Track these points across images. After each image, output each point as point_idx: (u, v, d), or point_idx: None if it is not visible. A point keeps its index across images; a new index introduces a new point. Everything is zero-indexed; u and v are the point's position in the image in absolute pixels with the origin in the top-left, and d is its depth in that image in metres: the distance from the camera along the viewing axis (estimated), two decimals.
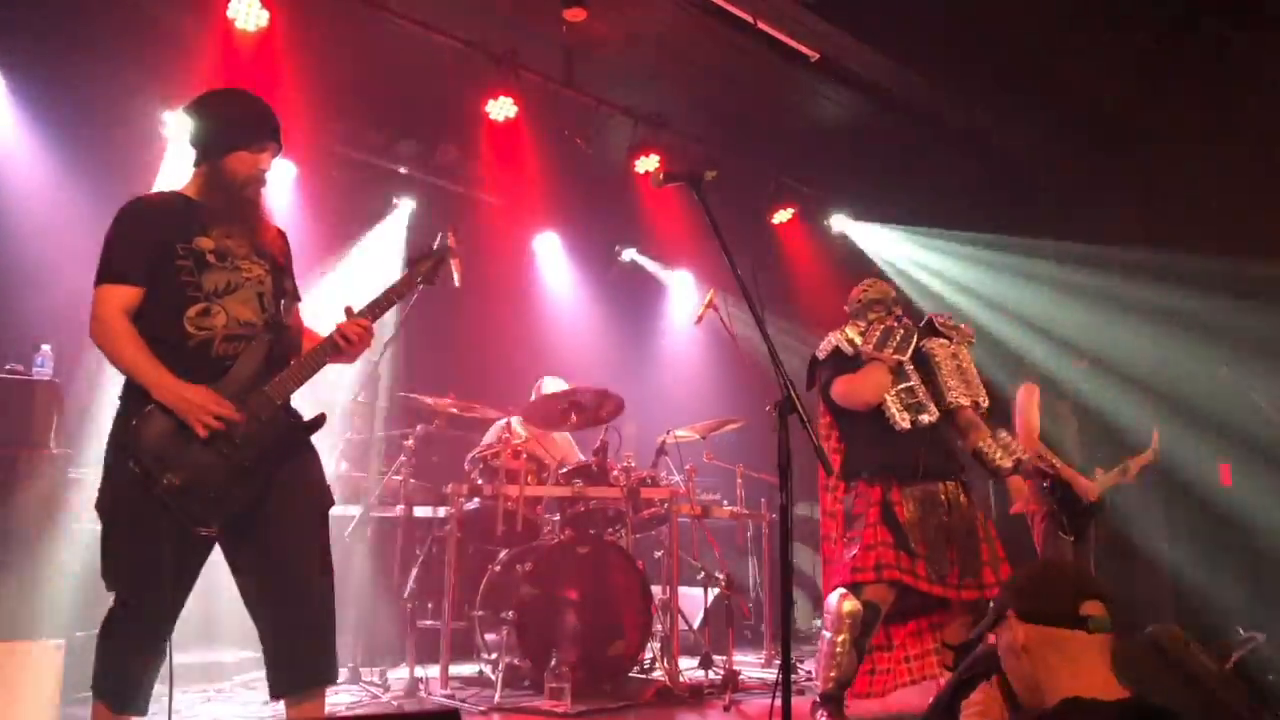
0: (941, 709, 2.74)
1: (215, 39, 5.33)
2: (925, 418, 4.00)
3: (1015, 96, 6.71)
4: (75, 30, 5.39)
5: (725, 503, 6.25)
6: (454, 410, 5.48)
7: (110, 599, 2.63)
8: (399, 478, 5.39)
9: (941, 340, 4.26)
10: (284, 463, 2.70)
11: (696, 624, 5.91)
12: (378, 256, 7.09)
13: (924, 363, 4.17)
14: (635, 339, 8.54)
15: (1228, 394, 5.43)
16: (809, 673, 5.25)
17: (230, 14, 5.19)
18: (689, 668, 5.42)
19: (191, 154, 2.87)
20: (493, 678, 4.78)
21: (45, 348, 4.58)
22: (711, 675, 5.30)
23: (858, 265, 8.16)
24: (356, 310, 2.87)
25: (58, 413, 4.40)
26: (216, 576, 2.81)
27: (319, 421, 2.80)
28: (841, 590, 3.90)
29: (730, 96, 7.02)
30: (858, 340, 4.11)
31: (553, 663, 4.52)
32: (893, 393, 4.02)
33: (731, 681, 4.98)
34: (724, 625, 5.60)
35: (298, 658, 2.64)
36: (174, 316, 2.64)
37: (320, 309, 3.48)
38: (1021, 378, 5.45)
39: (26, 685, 3.56)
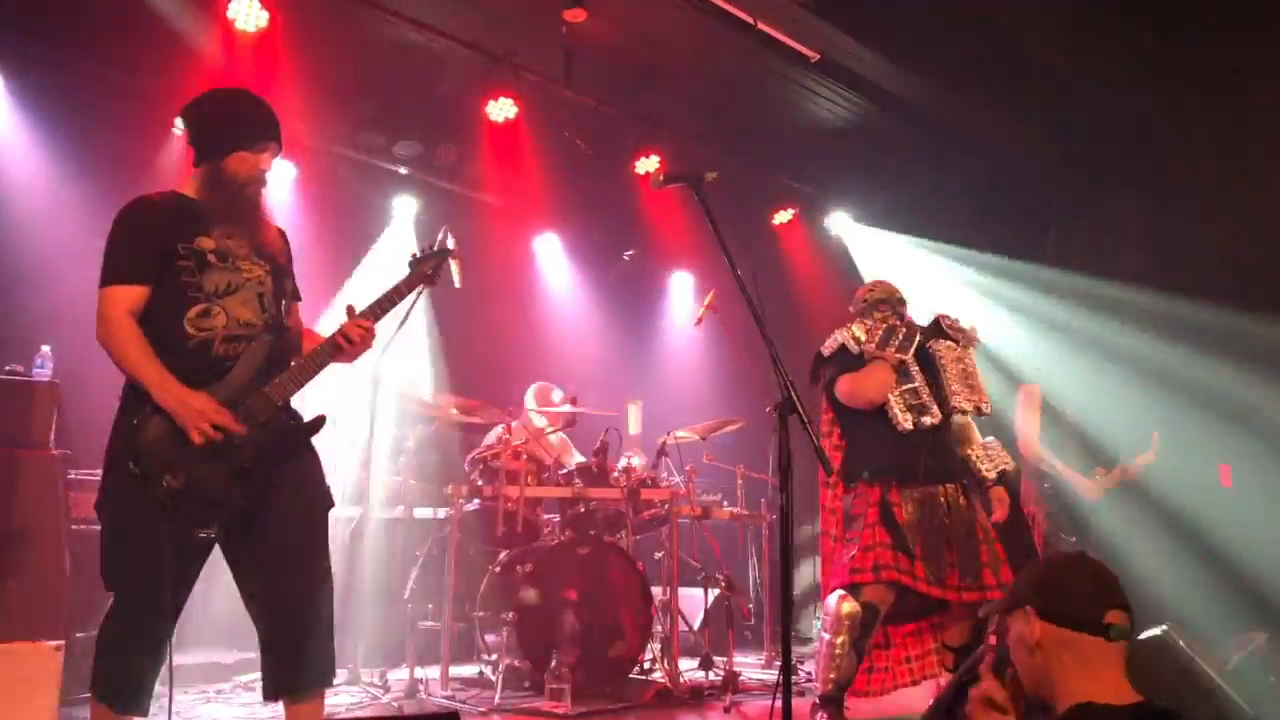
0: (942, 710, 2.73)
1: (215, 39, 5.33)
2: (928, 419, 3.99)
3: (1016, 98, 6.71)
4: (75, 30, 5.39)
5: (726, 504, 6.25)
6: (454, 411, 5.48)
7: (110, 600, 2.62)
8: (399, 479, 5.40)
9: (948, 343, 4.25)
10: (284, 464, 2.70)
11: (697, 625, 5.91)
12: (378, 257, 7.09)
13: (929, 364, 4.16)
14: (636, 339, 8.53)
15: (1228, 394, 5.43)
16: (809, 674, 5.25)
17: (230, 14, 5.18)
18: (689, 669, 5.42)
19: (192, 154, 2.86)
20: (493, 679, 4.78)
21: (45, 348, 4.57)
22: (712, 676, 5.30)
23: (857, 265, 8.18)
24: (358, 311, 2.87)
25: (57, 413, 4.40)
26: (216, 577, 2.80)
27: (319, 423, 2.80)
28: (840, 592, 3.90)
29: (730, 97, 7.02)
30: (863, 338, 4.10)
31: (553, 664, 4.52)
32: (896, 393, 4.01)
33: (731, 683, 4.98)
34: (724, 626, 5.60)
35: (296, 659, 2.64)
36: (174, 317, 2.64)
37: (320, 309, 3.49)
38: (1023, 380, 5.45)
39: (25, 686, 3.55)
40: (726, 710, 4.55)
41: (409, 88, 6.52)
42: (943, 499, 4.01)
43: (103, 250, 2.69)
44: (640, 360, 8.37)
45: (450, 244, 3.18)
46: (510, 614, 4.71)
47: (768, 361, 2.79)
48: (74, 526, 4.28)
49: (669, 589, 5.24)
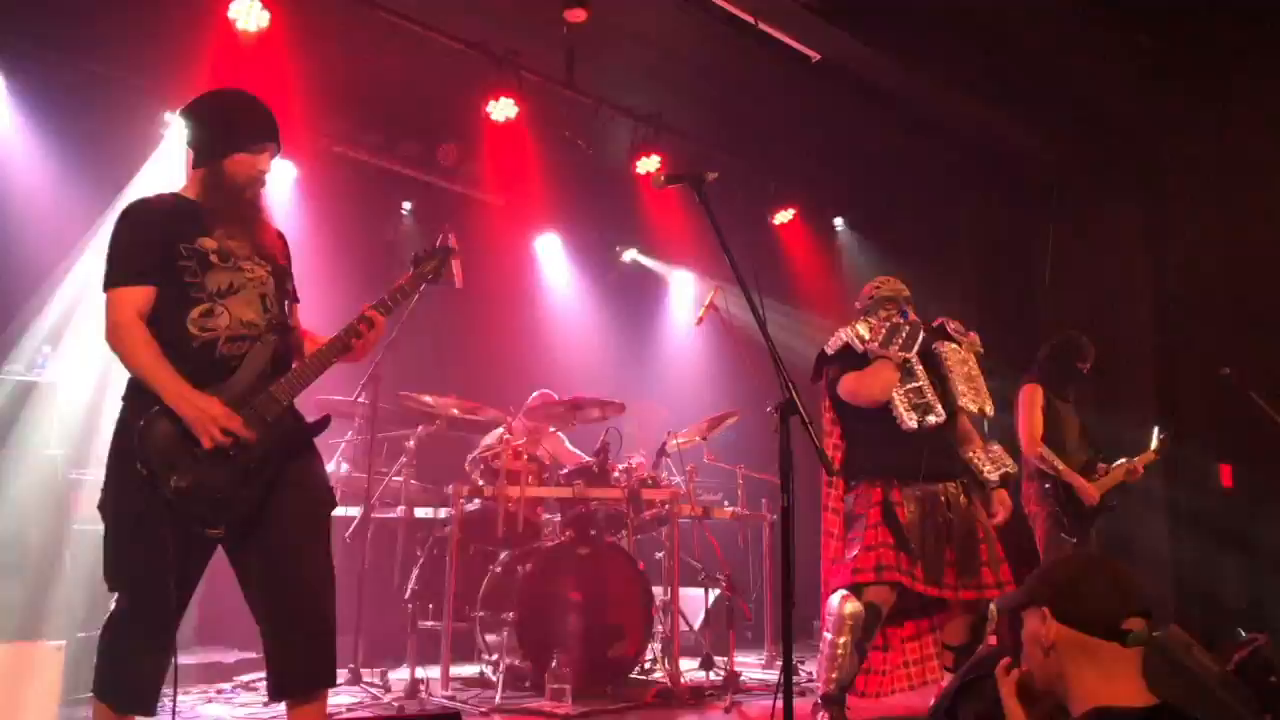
0: (943, 711, 2.74)
1: (216, 39, 5.33)
2: (932, 419, 3.98)
3: (1017, 98, 6.71)
4: (76, 31, 5.39)
5: (726, 503, 6.25)
6: (455, 411, 5.48)
7: (112, 600, 2.62)
8: (400, 479, 5.40)
9: (952, 345, 4.24)
10: (288, 464, 2.70)
11: (697, 625, 5.91)
12: (378, 257, 7.09)
13: (933, 364, 4.16)
14: (636, 339, 8.54)
15: (1229, 394, 5.43)
16: (810, 674, 5.25)
17: (231, 14, 5.18)
18: (690, 669, 5.42)
19: (191, 156, 2.86)
20: (494, 679, 4.78)
21: (45, 349, 4.58)
22: (712, 676, 5.30)
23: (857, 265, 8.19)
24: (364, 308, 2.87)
25: (58, 414, 4.40)
26: (217, 577, 2.80)
27: (323, 423, 2.80)
28: (843, 592, 3.89)
29: (731, 97, 7.02)
30: (867, 336, 4.08)
31: (554, 664, 4.52)
32: (900, 391, 3.99)
33: (732, 683, 4.98)
34: (725, 626, 5.60)
35: (299, 660, 2.64)
36: (177, 317, 2.63)
37: (320, 309, 3.48)
38: (1024, 379, 5.44)
39: (27, 686, 3.56)
40: (727, 710, 4.54)
41: (410, 88, 6.53)
42: (943, 498, 4.01)
43: (105, 252, 2.68)
44: (641, 360, 8.37)
45: (451, 243, 3.18)
46: (511, 614, 4.71)
47: (768, 361, 2.78)
48: (74, 526, 4.28)
49: (670, 589, 5.24)
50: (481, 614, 4.96)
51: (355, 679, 4.82)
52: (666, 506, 5.35)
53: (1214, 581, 6.60)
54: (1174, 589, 6.55)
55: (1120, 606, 1.97)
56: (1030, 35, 6.14)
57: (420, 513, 5.61)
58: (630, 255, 8.63)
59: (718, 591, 5.66)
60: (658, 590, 5.30)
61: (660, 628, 5.27)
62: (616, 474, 5.30)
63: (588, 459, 5.46)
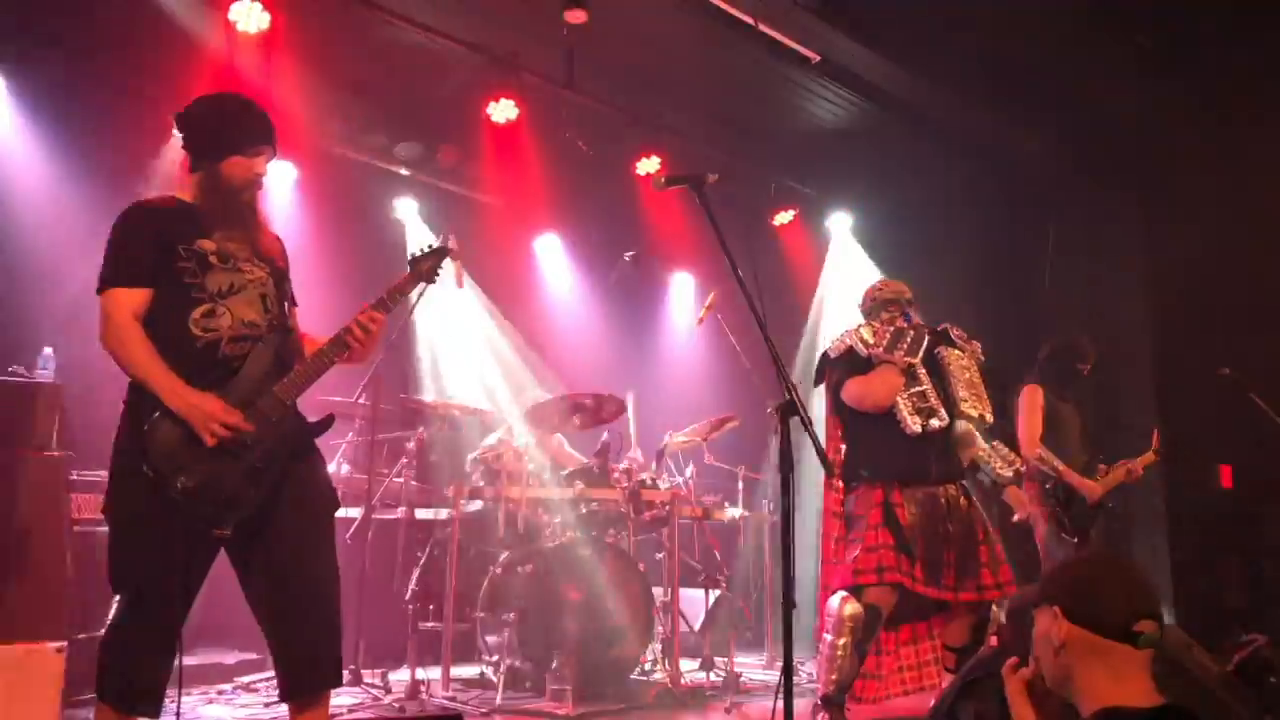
0: (944, 711, 2.74)
1: (217, 41, 5.33)
2: (936, 422, 3.99)
3: (1016, 98, 6.72)
4: (77, 32, 5.39)
5: (726, 504, 6.26)
6: (456, 413, 5.49)
7: (115, 601, 2.62)
8: (400, 480, 5.40)
9: (955, 351, 4.24)
10: (292, 465, 2.71)
11: (697, 626, 5.91)
12: (378, 258, 7.09)
13: (936, 368, 4.16)
14: (637, 340, 8.54)
15: (1229, 394, 5.43)
16: (810, 675, 5.25)
17: (232, 16, 5.18)
18: (690, 670, 5.42)
19: (187, 160, 2.87)
20: (494, 679, 4.79)
21: (47, 350, 4.58)
22: (713, 677, 5.30)
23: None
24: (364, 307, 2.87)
25: (59, 415, 4.40)
26: (218, 578, 2.81)
27: (327, 422, 2.81)
28: (843, 593, 3.89)
29: (731, 99, 7.03)
30: (871, 341, 4.08)
31: (554, 665, 4.53)
32: (905, 395, 4.00)
33: (733, 684, 4.99)
34: (725, 627, 5.60)
35: (304, 661, 2.65)
36: (179, 318, 2.64)
37: (321, 310, 3.49)
38: (1024, 380, 5.45)
39: (28, 688, 3.56)
40: (727, 711, 4.55)
41: (410, 89, 6.53)
42: (944, 500, 4.01)
43: (102, 254, 2.69)
44: (641, 361, 8.37)
45: (452, 246, 3.18)
46: (511, 615, 4.71)
47: (769, 362, 2.79)
48: (76, 528, 4.28)
49: (670, 590, 5.24)
50: (482, 615, 4.96)
51: (356, 680, 4.83)
52: (667, 507, 5.35)
53: (1214, 582, 6.61)
54: (1174, 589, 6.56)
55: (1132, 608, 1.98)
56: (1030, 36, 6.14)
57: (421, 514, 5.62)
58: (630, 256, 8.62)
59: (718, 592, 5.67)
60: (658, 591, 5.30)
61: (660, 629, 5.28)
62: (616, 475, 5.30)
63: (586, 461, 5.47)
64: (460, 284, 3.74)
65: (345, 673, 4.66)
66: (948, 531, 3.97)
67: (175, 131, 2.84)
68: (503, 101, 6.13)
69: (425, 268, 3.04)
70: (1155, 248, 7.11)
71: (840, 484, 4.21)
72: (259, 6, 5.18)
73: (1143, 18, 6.09)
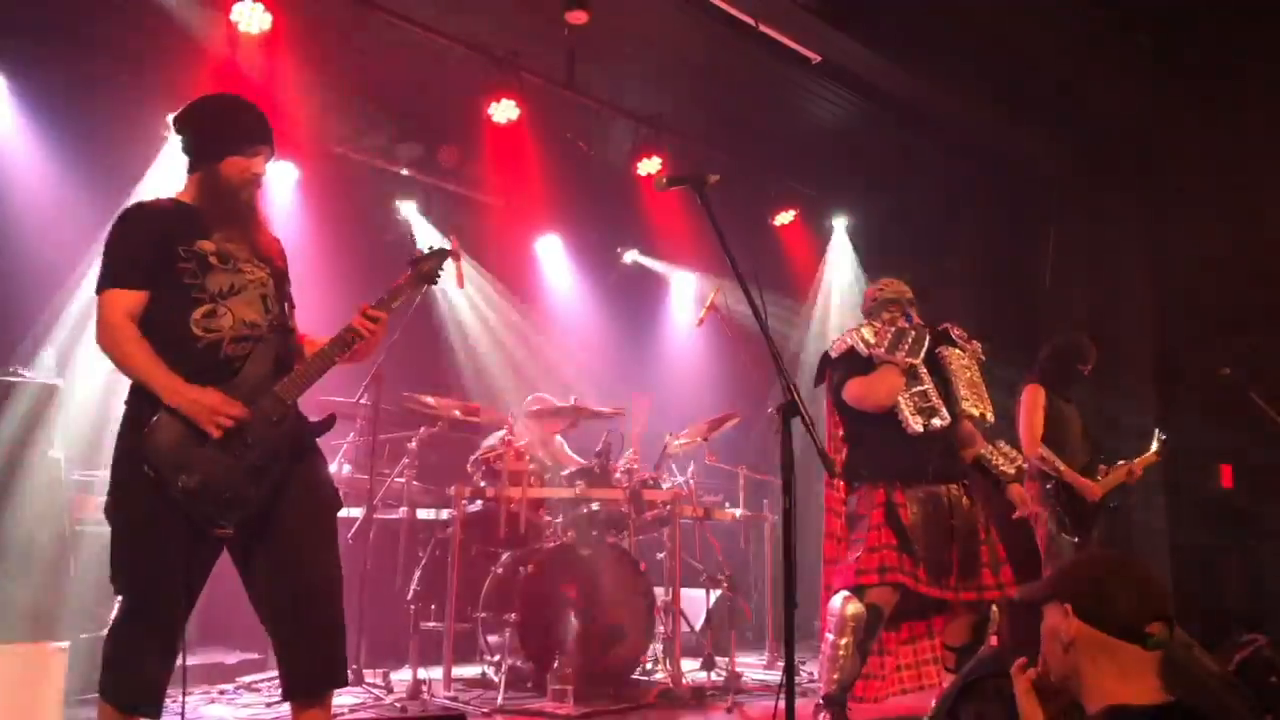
0: (945, 711, 2.74)
1: (219, 42, 5.34)
2: (937, 421, 3.98)
3: (1017, 99, 6.72)
4: (78, 33, 5.40)
5: (728, 504, 6.26)
6: (457, 413, 5.49)
7: (116, 601, 2.63)
8: (402, 480, 5.40)
9: (956, 351, 4.24)
10: (294, 465, 2.71)
11: (699, 626, 5.91)
12: (379, 259, 7.10)
13: (937, 368, 4.16)
14: (638, 340, 8.54)
15: (1229, 394, 5.44)
16: (811, 674, 5.26)
17: (234, 17, 5.19)
18: (691, 669, 5.43)
19: (187, 162, 2.87)
20: (496, 679, 4.79)
21: (48, 350, 4.58)
22: (714, 677, 5.30)
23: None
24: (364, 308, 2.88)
25: (60, 415, 4.41)
26: (219, 579, 2.81)
27: (328, 422, 2.82)
28: (845, 593, 3.89)
29: (732, 99, 7.03)
30: (872, 341, 4.08)
31: (555, 665, 4.53)
32: (906, 395, 3.99)
33: (734, 683, 4.99)
34: (726, 627, 5.61)
35: (308, 661, 2.65)
36: (181, 319, 2.64)
37: (321, 310, 3.49)
38: (1025, 380, 5.45)
39: (30, 687, 3.56)
40: (729, 711, 4.55)
41: (411, 89, 6.54)
42: (946, 499, 4.01)
43: (101, 254, 2.70)
44: (642, 361, 8.38)
45: (453, 246, 3.19)
46: (513, 615, 4.72)
47: (769, 361, 2.79)
48: (76, 528, 4.29)
49: (671, 590, 5.25)
50: (483, 615, 4.97)
51: (358, 680, 4.83)
52: (668, 507, 5.36)
53: (1214, 582, 6.61)
54: (1174, 589, 6.56)
55: (1144, 610, 1.99)
56: (1030, 36, 6.14)
57: (422, 514, 5.62)
58: (631, 256, 8.64)
59: (719, 592, 5.67)
60: (659, 591, 5.30)
61: (662, 628, 5.28)
62: (618, 475, 5.31)
63: (585, 462, 5.47)
64: (461, 284, 3.75)
65: (347, 672, 4.70)
66: (950, 530, 3.97)
67: (173, 133, 2.85)
68: (504, 102, 6.13)
69: (426, 268, 3.05)
70: (1155, 248, 7.11)
71: (841, 484, 4.22)
72: (261, 7, 5.18)
73: (1144, 18, 6.10)
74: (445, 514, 5.47)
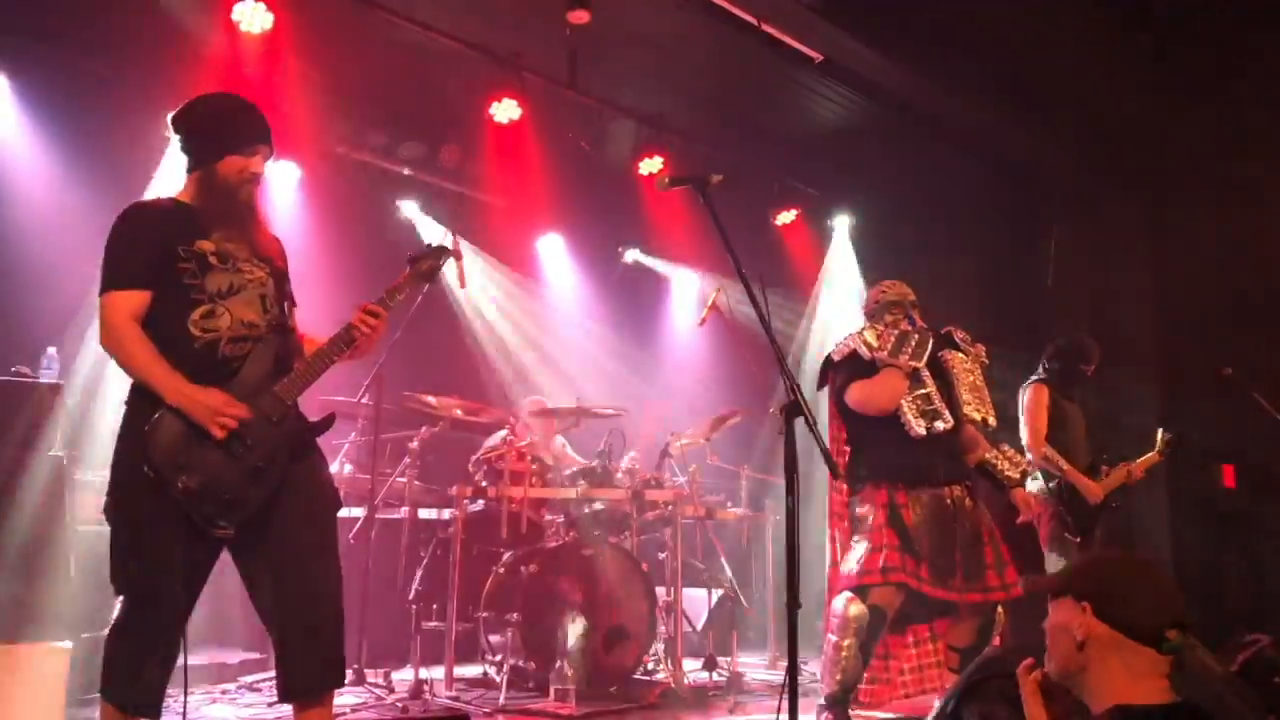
0: (948, 712, 2.73)
1: (220, 41, 5.33)
2: (940, 425, 3.97)
3: (1018, 98, 6.71)
4: (79, 33, 5.40)
5: (729, 504, 6.25)
6: (458, 412, 5.49)
7: (117, 601, 2.63)
8: (403, 480, 5.40)
9: (959, 354, 4.23)
10: (294, 465, 2.71)
11: (700, 626, 5.91)
12: (380, 258, 7.10)
13: (940, 371, 4.15)
14: (639, 340, 8.54)
15: (1231, 394, 5.43)
16: (813, 675, 5.25)
17: (235, 16, 5.18)
18: (693, 670, 5.42)
19: (186, 162, 2.87)
20: (497, 679, 4.79)
21: (50, 350, 4.58)
22: (716, 677, 5.30)
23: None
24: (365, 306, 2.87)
25: (62, 415, 4.41)
26: (220, 579, 2.81)
27: (328, 422, 2.81)
28: (848, 594, 3.89)
29: (734, 98, 7.03)
30: (875, 344, 4.07)
31: (557, 664, 4.53)
32: (909, 398, 3.98)
33: (736, 684, 4.99)
34: (728, 627, 5.60)
35: (308, 660, 2.65)
36: (179, 319, 2.64)
37: (322, 310, 3.49)
38: (1029, 380, 5.45)
39: (32, 688, 3.56)
40: (730, 711, 4.55)
41: (413, 89, 6.53)
42: (949, 501, 4.01)
43: (102, 255, 2.69)
44: (643, 361, 8.38)
45: (448, 242, 3.18)
46: (514, 615, 4.71)
47: (772, 362, 2.79)
48: (79, 528, 4.28)
49: (673, 590, 5.24)
50: (485, 615, 4.96)
51: (359, 680, 4.83)
52: (670, 507, 5.35)
53: (1217, 582, 6.60)
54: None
55: (1163, 615, 2.00)
56: (1031, 36, 6.14)
57: (424, 513, 5.62)
58: (632, 256, 8.63)
59: (721, 592, 5.67)
60: (661, 591, 5.30)
61: (663, 628, 5.28)
62: (619, 475, 5.30)
63: (587, 462, 5.47)
64: (463, 284, 3.75)
65: (349, 672, 4.69)
66: (954, 532, 3.96)
67: (171, 133, 2.84)
68: (505, 101, 6.12)
69: (425, 267, 3.04)
70: (1158, 248, 7.10)
71: (845, 486, 4.20)
72: (262, 7, 5.18)
73: (1144, 18, 6.09)
74: (447, 514, 5.47)
